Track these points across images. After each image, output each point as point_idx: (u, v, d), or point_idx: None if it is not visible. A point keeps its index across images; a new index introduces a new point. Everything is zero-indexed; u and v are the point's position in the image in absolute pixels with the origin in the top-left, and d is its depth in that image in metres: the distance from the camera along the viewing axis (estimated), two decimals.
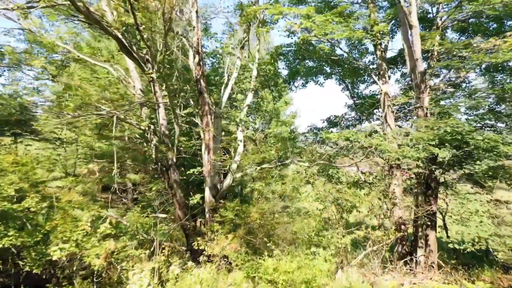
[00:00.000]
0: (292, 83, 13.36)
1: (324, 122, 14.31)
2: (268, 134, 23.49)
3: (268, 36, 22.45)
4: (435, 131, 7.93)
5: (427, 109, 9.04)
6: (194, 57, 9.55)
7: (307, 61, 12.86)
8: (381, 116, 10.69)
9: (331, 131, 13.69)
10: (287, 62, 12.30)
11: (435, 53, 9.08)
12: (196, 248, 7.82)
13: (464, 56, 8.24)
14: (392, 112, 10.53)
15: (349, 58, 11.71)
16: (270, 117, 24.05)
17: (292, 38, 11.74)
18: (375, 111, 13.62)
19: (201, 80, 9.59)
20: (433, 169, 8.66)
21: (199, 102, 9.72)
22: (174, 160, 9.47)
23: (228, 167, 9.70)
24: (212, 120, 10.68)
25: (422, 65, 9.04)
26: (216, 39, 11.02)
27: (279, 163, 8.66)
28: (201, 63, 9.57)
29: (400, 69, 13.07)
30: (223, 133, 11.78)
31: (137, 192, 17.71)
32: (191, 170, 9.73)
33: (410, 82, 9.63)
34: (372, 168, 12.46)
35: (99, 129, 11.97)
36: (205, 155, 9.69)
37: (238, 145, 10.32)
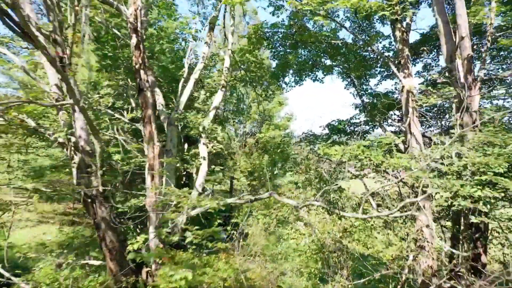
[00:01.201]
0: (281, 78, 10.28)
1: (324, 129, 11.25)
2: (259, 139, 20.50)
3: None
4: (499, 150, 4.88)
5: (477, 113, 5.97)
6: (131, 37, 6.51)
7: (300, 50, 9.78)
8: (403, 122, 7.63)
9: (333, 139, 10.63)
10: (274, 51, 9.23)
11: (489, 29, 6.01)
12: None
13: None
14: (418, 116, 7.47)
15: (356, 43, 8.64)
16: (262, 119, 21.03)
17: (278, 16, 8.69)
18: (390, 112, 10.56)
19: (141, 72, 6.55)
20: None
21: (140, 103, 6.69)
22: (101, 189, 6.46)
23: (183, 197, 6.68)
24: (165, 129, 7.67)
25: (469, 47, 5.97)
26: (175, 15, 7.98)
27: (252, 199, 5.63)
28: (141, 46, 6.52)
29: (422, 59, 10.00)
30: (186, 146, 8.75)
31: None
32: (132, 202, 6.72)
33: (448, 74, 6.56)
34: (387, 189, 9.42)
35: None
36: (148, 180, 6.66)
37: (201, 164, 7.28)
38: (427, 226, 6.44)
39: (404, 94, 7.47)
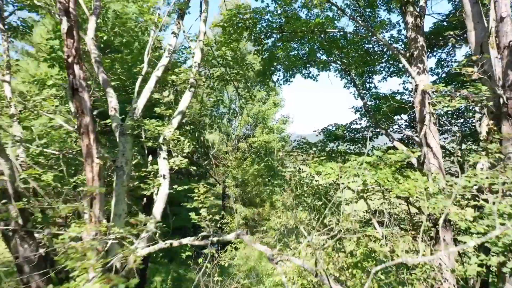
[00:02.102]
0: (269, 76, 8.72)
1: (319, 134, 9.70)
2: (252, 143, 19.04)
3: None
4: None
5: None
6: (61, 21, 4.97)
7: (291, 43, 8.23)
8: (417, 130, 6.10)
9: (330, 149, 9.08)
10: (257, 43, 7.65)
11: None
12: None
13: None
14: (436, 123, 5.92)
15: (358, 33, 7.09)
16: (255, 122, 19.55)
17: (263, 1, 7.15)
18: (396, 117, 9.01)
19: (76, 67, 5.00)
20: None
21: (75, 108, 5.13)
22: (21, 221, 4.94)
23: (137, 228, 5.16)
24: (117, 139, 6.13)
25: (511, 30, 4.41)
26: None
27: (214, 241, 4.09)
28: (74, 33, 4.99)
29: (435, 53, 8.44)
30: (151, 159, 7.21)
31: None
32: (67, 234, 5.18)
33: (478, 69, 4.99)
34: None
35: None
36: (87, 210, 5.13)
37: (161, 184, 5.73)
38: (453, 271, 4.87)
39: (418, 95, 5.91)
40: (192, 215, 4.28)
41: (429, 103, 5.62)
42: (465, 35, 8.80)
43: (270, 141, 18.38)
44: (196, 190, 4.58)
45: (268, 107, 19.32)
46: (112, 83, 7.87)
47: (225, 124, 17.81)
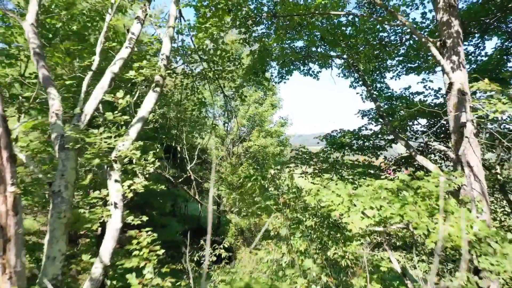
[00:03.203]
0: (260, 72, 7.27)
1: (322, 140, 8.29)
2: (249, 148, 17.64)
3: None
4: None
5: None
6: None
7: (285, 31, 6.77)
8: (443, 141, 4.67)
9: (333, 158, 7.64)
10: (245, 31, 6.20)
11: None
12: None
13: None
14: (478, 133, 4.50)
15: (370, 16, 5.65)
16: (251, 124, 18.15)
17: None
18: (413, 122, 7.56)
19: None
20: None
21: None
22: None
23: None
24: (57, 155, 4.70)
25: None
26: None
27: None
28: None
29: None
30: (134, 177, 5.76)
31: None
32: None
33: None
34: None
35: None
36: None
37: (111, 216, 4.29)
38: None
39: (453, 96, 4.46)
40: (130, 278, 2.86)
41: (470, 107, 4.16)
42: (496, 23, 7.35)
43: (267, 146, 16.96)
44: (135, 241, 3.13)
45: (265, 109, 17.87)
46: (67, 82, 6.45)
47: (206, 128, 16.03)
